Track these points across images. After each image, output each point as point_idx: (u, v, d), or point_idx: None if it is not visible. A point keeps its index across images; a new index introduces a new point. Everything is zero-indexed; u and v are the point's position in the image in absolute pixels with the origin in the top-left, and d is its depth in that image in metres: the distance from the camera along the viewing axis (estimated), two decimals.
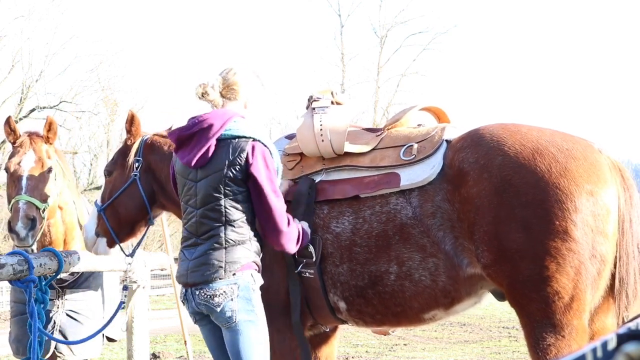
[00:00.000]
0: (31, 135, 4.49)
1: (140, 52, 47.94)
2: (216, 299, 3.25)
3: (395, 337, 10.40)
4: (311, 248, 3.57)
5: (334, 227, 3.61)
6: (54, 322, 4.49)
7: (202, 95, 3.53)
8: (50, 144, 4.48)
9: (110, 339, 4.90)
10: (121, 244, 4.10)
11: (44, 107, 27.43)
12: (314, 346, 4.00)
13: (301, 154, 3.83)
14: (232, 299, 3.24)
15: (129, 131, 4.15)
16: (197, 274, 3.29)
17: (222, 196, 3.31)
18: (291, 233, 3.40)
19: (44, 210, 4.25)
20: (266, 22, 52.60)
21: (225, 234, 3.29)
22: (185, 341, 6.74)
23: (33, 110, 27.20)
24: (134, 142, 4.13)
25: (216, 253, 3.28)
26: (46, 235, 4.46)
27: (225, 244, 3.28)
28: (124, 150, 4.16)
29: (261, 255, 3.43)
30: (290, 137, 4.03)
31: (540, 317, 3.22)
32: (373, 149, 3.70)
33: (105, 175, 4.23)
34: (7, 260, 3.60)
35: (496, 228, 3.26)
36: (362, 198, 3.59)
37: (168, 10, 52.72)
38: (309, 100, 3.87)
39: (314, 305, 3.69)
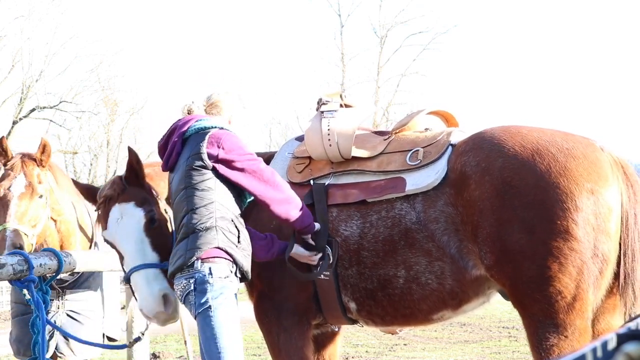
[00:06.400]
0: (23, 157, 4.38)
1: (140, 52, 47.89)
2: (179, 292, 3.39)
3: (395, 337, 10.39)
4: (329, 250, 3.57)
5: (342, 230, 3.63)
6: (55, 323, 4.48)
7: (188, 113, 3.70)
8: (43, 166, 4.40)
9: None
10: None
11: (44, 107, 27.42)
12: (318, 345, 4.02)
13: (310, 158, 3.85)
14: (188, 292, 3.34)
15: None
16: (170, 266, 3.43)
17: (185, 186, 3.42)
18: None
19: (32, 236, 4.20)
20: (266, 21, 52.61)
21: (188, 220, 3.37)
22: (185, 341, 6.71)
23: (33, 110, 27.18)
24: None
25: (182, 243, 3.38)
26: (42, 245, 4.44)
27: (189, 231, 3.36)
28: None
29: (241, 245, 3.42)
30: (301, 139, 4.03)
31: (543, 317, 3.22)
32: (380, 153, 3.71)
33: None
34: (7, 260, 3.60)
35: (498, 230, 3.27)
36: (369, 202, 3.60)
37: (168, 11, 52.73)
38: (318, 103, 3.88)
39: (327, 306, 3.71)
